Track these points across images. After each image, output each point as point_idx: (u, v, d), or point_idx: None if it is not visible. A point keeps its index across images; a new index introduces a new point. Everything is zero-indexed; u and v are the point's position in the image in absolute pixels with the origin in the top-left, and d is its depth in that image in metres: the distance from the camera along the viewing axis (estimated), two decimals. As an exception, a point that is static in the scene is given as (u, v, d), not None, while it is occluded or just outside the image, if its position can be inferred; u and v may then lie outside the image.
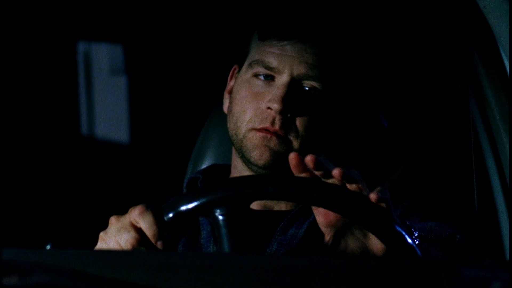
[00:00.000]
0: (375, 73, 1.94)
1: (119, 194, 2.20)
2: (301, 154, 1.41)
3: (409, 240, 1.14)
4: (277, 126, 1.48)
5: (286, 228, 1.50)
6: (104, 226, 1.68)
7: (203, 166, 1.72)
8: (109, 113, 2.31)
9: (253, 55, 1.54)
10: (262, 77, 1.51)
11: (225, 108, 1.60)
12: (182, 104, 2.24)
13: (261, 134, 1.49)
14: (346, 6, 1.74)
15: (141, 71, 2.28)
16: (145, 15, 2.11)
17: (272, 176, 1.21)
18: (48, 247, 1.26)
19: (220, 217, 1.16)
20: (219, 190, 1.17)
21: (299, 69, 1.50)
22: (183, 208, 1.16)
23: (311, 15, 1.54)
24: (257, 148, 1.49)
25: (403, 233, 1.14)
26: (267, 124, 1.48)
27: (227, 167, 1.61)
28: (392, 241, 1.15)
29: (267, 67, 1.50)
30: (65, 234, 2.13)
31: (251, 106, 1.51)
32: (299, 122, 1.50)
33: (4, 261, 0.93)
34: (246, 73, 1.54)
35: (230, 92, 1.58)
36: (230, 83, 1.61)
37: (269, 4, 1.57)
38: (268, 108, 1.48)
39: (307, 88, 1.51)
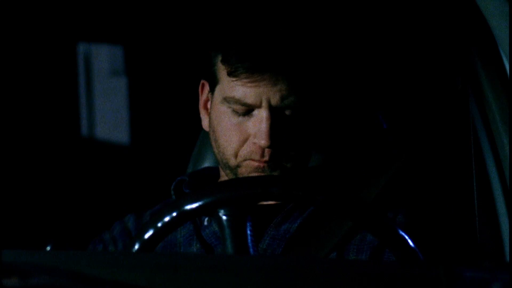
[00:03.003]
0: (366, 77, 1.95)
1: (119, 195, 2.20)
2: (295, 172, 1.42)
3: (411, 244, 1.14)
4: (267, 158, 1.49)
5: (280, 224, 1.51)
6: (104, 227, 1.68)
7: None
8: (109, 114, 2.31)
9: (225, 90, 1.51)
10: (241, 113, 1.50)
11: (205, 126, 1.59)
12: (182, 106, 2.24)
13: (255, 164, 1.50)
14: (313, 24, 1.74)
15: (141, 72, 2.28)
16: (145, 17, 2.11)
17: (277, 178, 1.21)
18: (49, 248, 1.26)
19: (224, 218, 1.16)
20: (224, 191, 1.17)
21: (275, 100, 1.48)
22: (188, 207, 1.16)
23: (275, 44, 1.52)
24: (253, 174, 1.50)
25: (406, 237, 1.14)
26: (257, 157, 1.49)
27: (218, 170, 1.62)
28: (395, 245, 1.15)
29: (244, 104, 1.49)
30: (65, 235, 2.13)
31: (236, 139, 1.51)
32: (288, 148, 1.50)
33: (4, 262, 0.93)
34: (222, 105, 1.52)
35: (206, 108, 1.58)
36: (203, 98, 1.59)
37: (232, 41, 1.54)
38: (255, 143, 1.49)
39: (287, 115, 1.50)
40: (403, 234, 1.14)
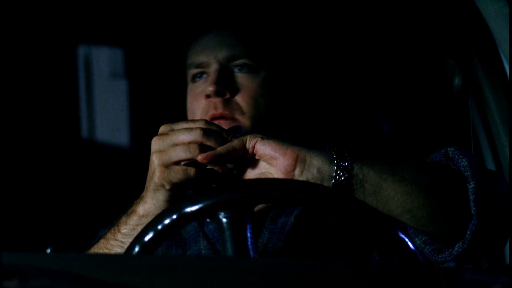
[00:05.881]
0: (366, 80, 1.95)
1: (120, 197, 2.20)
2: (254, 131, 1.45)
3: (411, 246, 1.14)
4: (220, 109, 1.57)
5: (276, 217, 1.51)
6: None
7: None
8: (109, 116, 2.31)
9: (187, 62, 1.67)
10: (198, 79, 1.63)
11: None
12: (182, 109, 2.24)
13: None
14: None
15: (141, 74, 2.29)
16: (145, 19, 2.11)
17: (277, 180, 1.21)
18: (49, 250, 1.26)
19: (224, 220, 1.16)
20: (224, 193, 1.17)
21: (222, 54, 1.60)
22: (188, 210, 1.16)
23: (216, 3, 1.66)
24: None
25: (406, 239, 1.14)
26: (212, 111, 1.58)
27: None
28: (395, 248, 1.15)
29: (197, 65, 1.62)
30: (65, 237, 2.14)
31: (197, 105, 1.61)
32: (240, 99, 1.59)
33: (5, 264, 0.93)
34: (188, 83, 1.67)
35: None
36: None
37: (178, 14, 1.69)
38: (207, 96, 1.58)
39: (238, 68, 1.60)
40: (403, 236, 1.14)
